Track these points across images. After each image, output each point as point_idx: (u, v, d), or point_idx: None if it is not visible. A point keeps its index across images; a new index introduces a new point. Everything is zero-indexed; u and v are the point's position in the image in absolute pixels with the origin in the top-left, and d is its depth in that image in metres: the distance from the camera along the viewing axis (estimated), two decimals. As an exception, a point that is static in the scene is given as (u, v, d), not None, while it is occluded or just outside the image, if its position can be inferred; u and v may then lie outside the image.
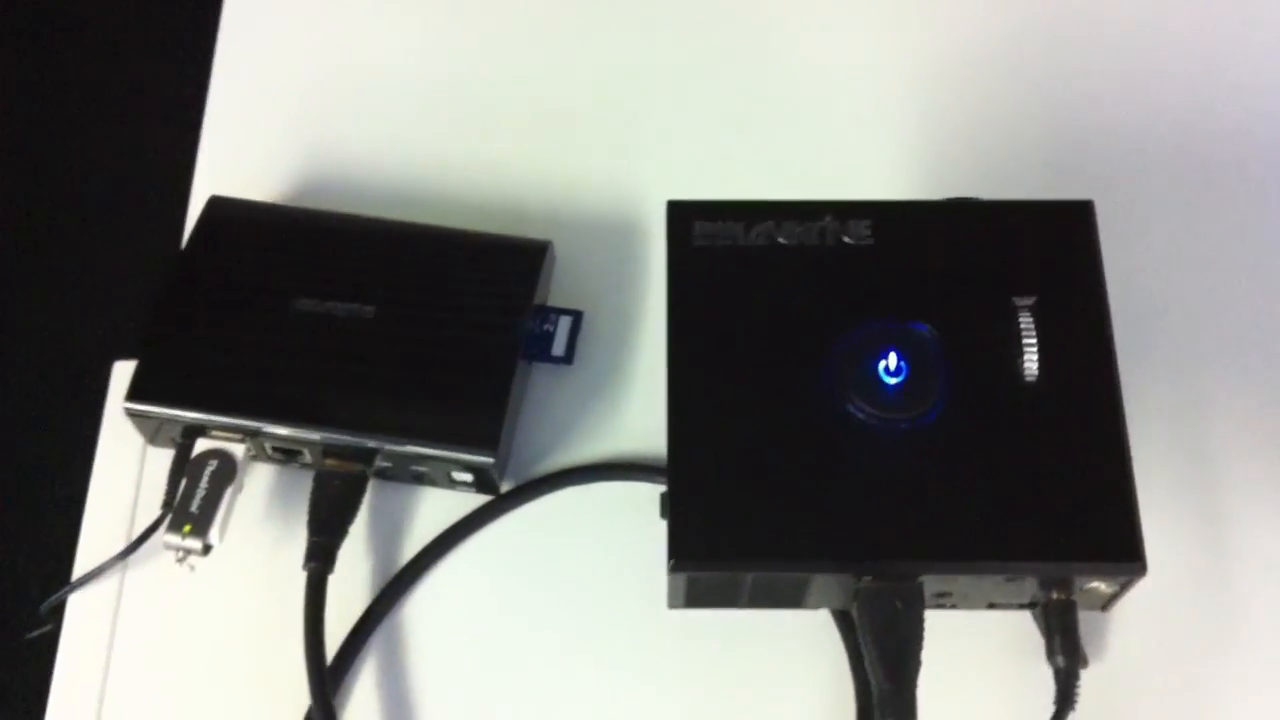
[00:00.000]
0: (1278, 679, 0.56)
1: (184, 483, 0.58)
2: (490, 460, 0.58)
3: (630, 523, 0.60)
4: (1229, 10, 0.71)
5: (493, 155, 0.68)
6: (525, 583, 0.59)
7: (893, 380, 0.48)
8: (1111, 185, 0.64)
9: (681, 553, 0.46)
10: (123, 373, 0.61)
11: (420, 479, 0.60)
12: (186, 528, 0.57)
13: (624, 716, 0.56)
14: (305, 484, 0.59)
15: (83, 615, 0.60)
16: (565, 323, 0.63)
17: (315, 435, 0.58)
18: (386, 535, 0.61)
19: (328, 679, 0.56)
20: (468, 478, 0.59)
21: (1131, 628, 0.56)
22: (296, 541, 0.58)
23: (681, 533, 0.47)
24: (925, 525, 0.47)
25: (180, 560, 0.58)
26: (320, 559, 0.58)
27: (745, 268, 0.50)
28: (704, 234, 0.51)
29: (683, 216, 0.51)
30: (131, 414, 0.59)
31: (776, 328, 0.49)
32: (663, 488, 0.56)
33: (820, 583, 0.47)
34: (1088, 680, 0.53)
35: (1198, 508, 0.59)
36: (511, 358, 0.60)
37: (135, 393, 0.59)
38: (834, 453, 0.47)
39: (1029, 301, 0.49)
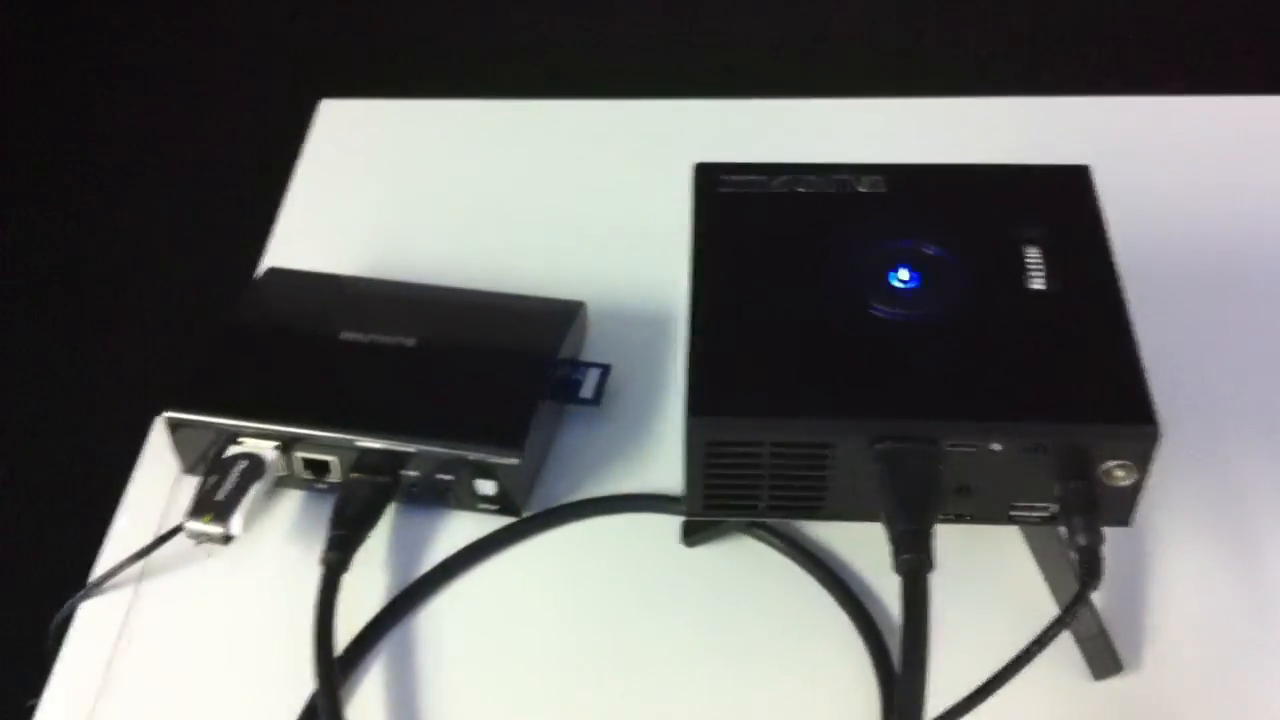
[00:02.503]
0: None
1: (212, 475, 0.59)
2: (515, 462, 0.59)
3: (650, 552, 0.60)
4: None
5: (542, 250, 0.72)
6: (542, 603, 0.58)
7: (909, 286, 0.50)
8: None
9: (701, 406, 0.47)
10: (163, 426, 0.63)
11: (445, 495, 0.60)
12: (208, 515, 0.58)
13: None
14: (329, 511, 0.59)
15: (92, 622, 0.59)
16: (595, 373, 0.65)
17: (346, 437, 0.59)
18: (408, 553, 0.60)
19: (335, 668, 0.54)
20: (491, 490, 0.60)
21: (1168, 646, 0.55)
22: (314, 565, 0.57)
23: (701, 387, 0.47)
24: (943, 390, 0.47)
25: (199, 544, 0.58)
26: (338, 550, 0.57)
27: (768, 207, 0.53)
28: (729, 184, 0.54)
29: (710, 171, 0.55)
30: (171, 423, 0.61)
31: (798, 250, 0.52)
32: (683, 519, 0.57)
33: (841, 459, 0.47)
34: (1130, 693, 0.52)
35: (1233, 539, 0.59)
36: (541, 381, 0.61)
37: (175, 402, 0.61)
38: (855, 338, 0.48)
39: (1035, 232, 0.52)
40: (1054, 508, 0.48)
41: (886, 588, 0.57)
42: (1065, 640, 0.55)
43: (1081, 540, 0.46)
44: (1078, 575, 0.46)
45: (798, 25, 2.20)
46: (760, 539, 0.60)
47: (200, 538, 0.58)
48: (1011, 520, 0.49)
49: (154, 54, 2.21)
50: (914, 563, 0.44)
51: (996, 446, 0.46)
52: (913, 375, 0.47)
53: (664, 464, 0.63)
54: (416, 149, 0.81)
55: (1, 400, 1.62)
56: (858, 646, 0.56)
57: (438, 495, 0.61)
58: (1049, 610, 0.54)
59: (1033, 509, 0.48)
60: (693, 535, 0.60)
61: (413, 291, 0.67)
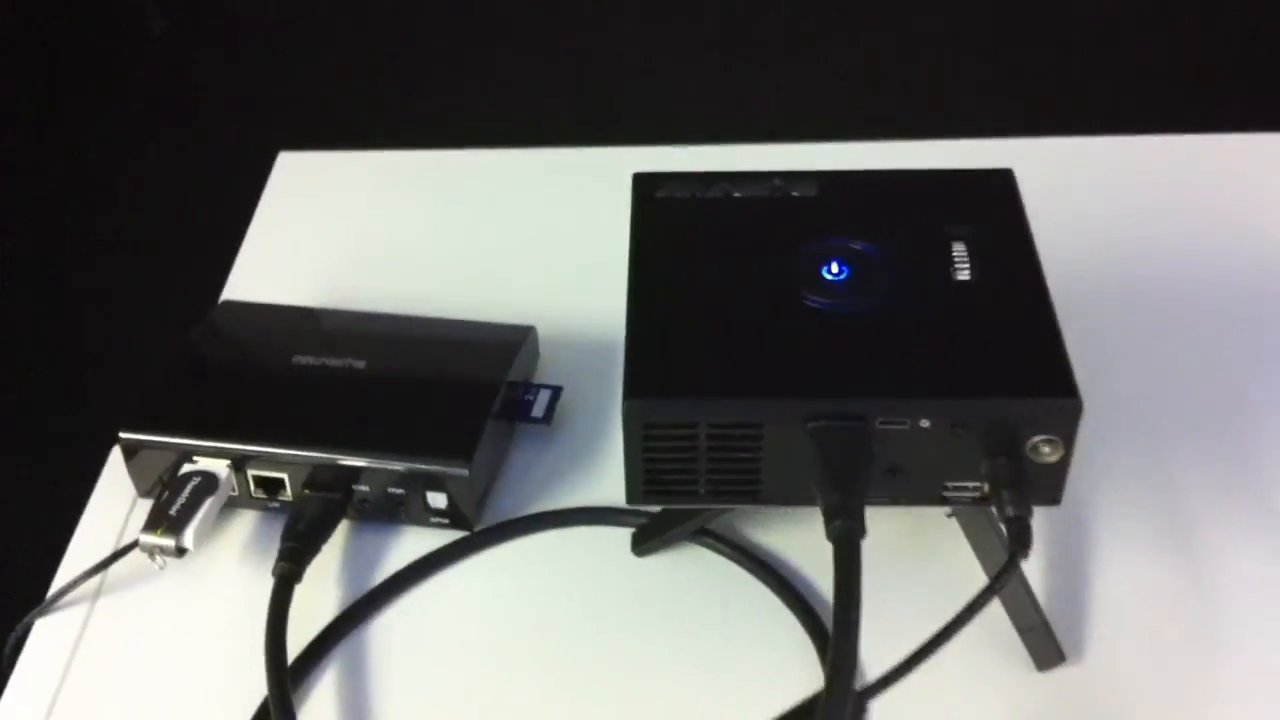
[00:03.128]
0: (1243, 679, 0.54)
1: (165, 492, 0.60)
2: (465, 473, 0.60)
3: (601, 564, 0.61)
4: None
5: (494, 283, 0.74)
6: (494, 615, 0.59)
7: (839, 279, 0.51)
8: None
9: (636, 389, 0.48)
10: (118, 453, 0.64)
11: (397, 511, 0.61)
12: (161, 529, 0.58)
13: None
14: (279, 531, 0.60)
15: (48, 637, 0.59)
16: (546, 394, 0.66)
17: (297, 454, 0.60)
18: (360, 567, 0.61)
19: (287, 673, 0.55)
20: (442, 504, 0.61)
21: (1110, 635, 0.56)
22: (267, 581, 0.58)
23: (637, 371, 0.48)
24: (873, 371, 0.48)
25: (152, 557, 0.58)
26: (290, 561, 0.58)
27: (704, 211, 0.55)
28: (666, 190, 0.56)
29: (647, 180, 0.56)
30: (126, 444, 0.62)
31: (732, 248, 0.53)
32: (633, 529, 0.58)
33: (775, 440, 0.48)
34: (1074, 683, 0.54)
35: (1170, 534, 0.60)
36: (490, 398, 0.63)
37: (130, 424, 0.62)
38: (787, 325, 0.50)
39: (961, 229, 0.53)
40: (984, 487, 0.49)
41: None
42: (1009, 634, 0.56)
43: (1010, 512, 0.47)
44: (1006, 546, 0.47)
45: (762, 78, 2.27)
46: (708, 546, 0.61)
47: (154, 550, 0.58)
48: (944, 501, 0.50)
49: (123, 106, 2.28)
50: (844, 528, 0.45)
51: (925, 423, 0.47)
52: (843, 358, 0.49)
53: (614, 480, 0.64)
54: (370, 196, 0.83)
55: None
56: (807, 647, 0.57)
57: (390, 511, 0.61)
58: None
59: (963, 489, 0.50)
60: (642, 545, 0.61)
61: (364, 319, 0.68)
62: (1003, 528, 0.48)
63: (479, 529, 0.62)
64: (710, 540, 0.61)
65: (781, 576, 0.59)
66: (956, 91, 2.25)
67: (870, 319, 0.50)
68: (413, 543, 0.62)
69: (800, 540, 0.61)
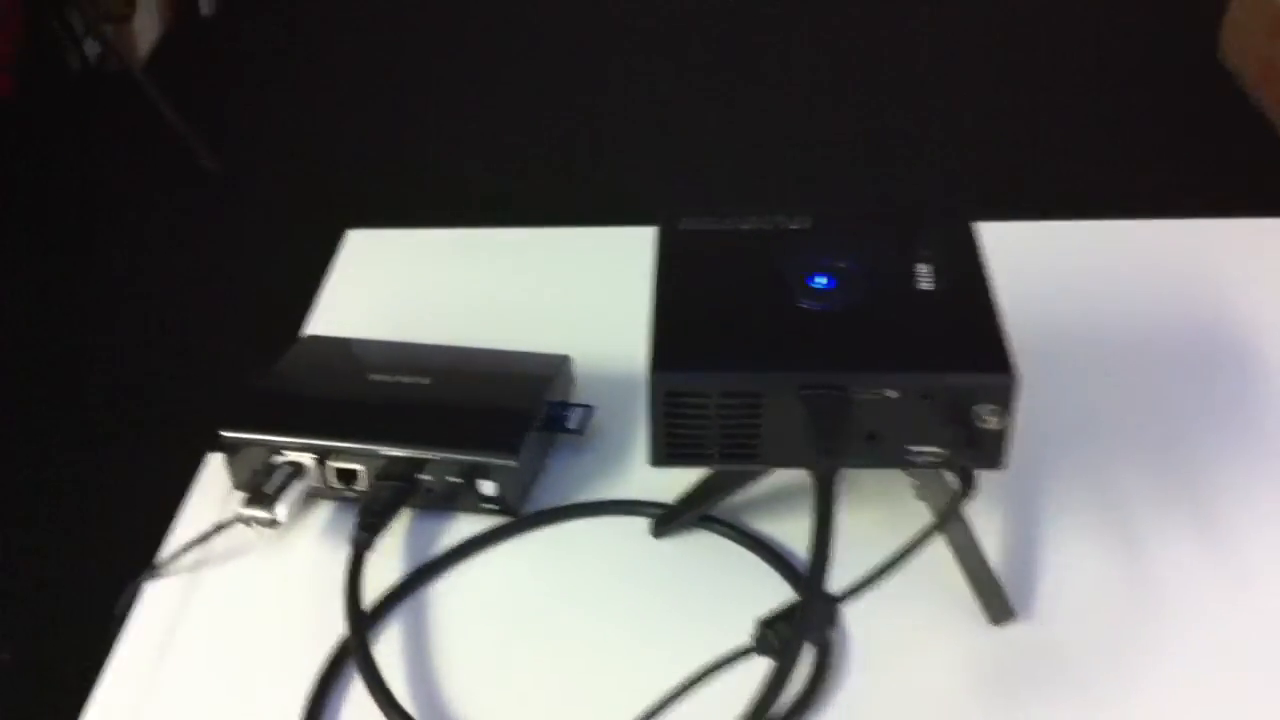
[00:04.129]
0: (1169, 639, 0.65)
1: (260, 476, 0.71)
2: (513, 464, 0.71)
3: (625, 545, 0.72)
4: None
5: (541, 328, 0.85)
6: (535, 585, 0.69)
7: (826, 288, 0.63)
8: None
9: (661, 363, 0.60)
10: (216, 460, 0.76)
11: (454, 499, 0.72)
12: (258, 504, 0.70)
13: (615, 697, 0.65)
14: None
15: (156, 598, 0.70)
16: (580, 411, 0.77)
17: (371, 448, 0.72)
18: (422, 545, 0.72)
19: (363, 620, 0.66)
20: (492, 491, 0.72)
21: (1056, 600, 0.67)
22: (341, 561, 0.69)
23: (661, 350, 0.60)
24: (852, 353, 0.60)
25: (250, 526, 0.70)
26: (366, 531, 0.69)
27: (717, 237, 0.67)
28: (687, 222, 0.68)
29: (671, 215, 0.69)
30: (225, 441, 0.73)
31: (740, 264, 0.65)
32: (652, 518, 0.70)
33: (773, 407, 0.59)
34: (1023, 637, 0.65)
35: (1112, 524, 0.71)
36: (534, 406, 0.74)
37: (230, 424, 0.73)
38: (784, 321, 0.61)
39: (926, 253, 0.65)
40: (942, 452, 0.60)
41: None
42: (966, 592, 0.66)
43: (959, 459, 0.58)
44: (960, 487, 0.58)
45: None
46: (716, 531, 0.72)
47: (251, 520, 0.69)
48: (909, 463, 0.61)
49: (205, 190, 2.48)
50: (826, 465, 0.56)
51: (893, 394, 0.59)
52: (828, 344, 0.60)
53: (636, 480, 0.75)
54: (428, 266, 0.95)
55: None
56: (798, 610, 0.67)
57: (449, 498, 0.73)
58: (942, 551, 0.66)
59: (924, 453, 0.61)
60: (660, 529, 0.72)
61: (429, 348, 0.80)
62: (953, 476, 0.59)
63: (523, 515, 0.73)
64: (718, 526, 0.72)
65: (777, 553, 0.70)
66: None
67: (849, 317, 0.62)
68: (466, 527, 0.73)
69: (793, 527, 0.72)
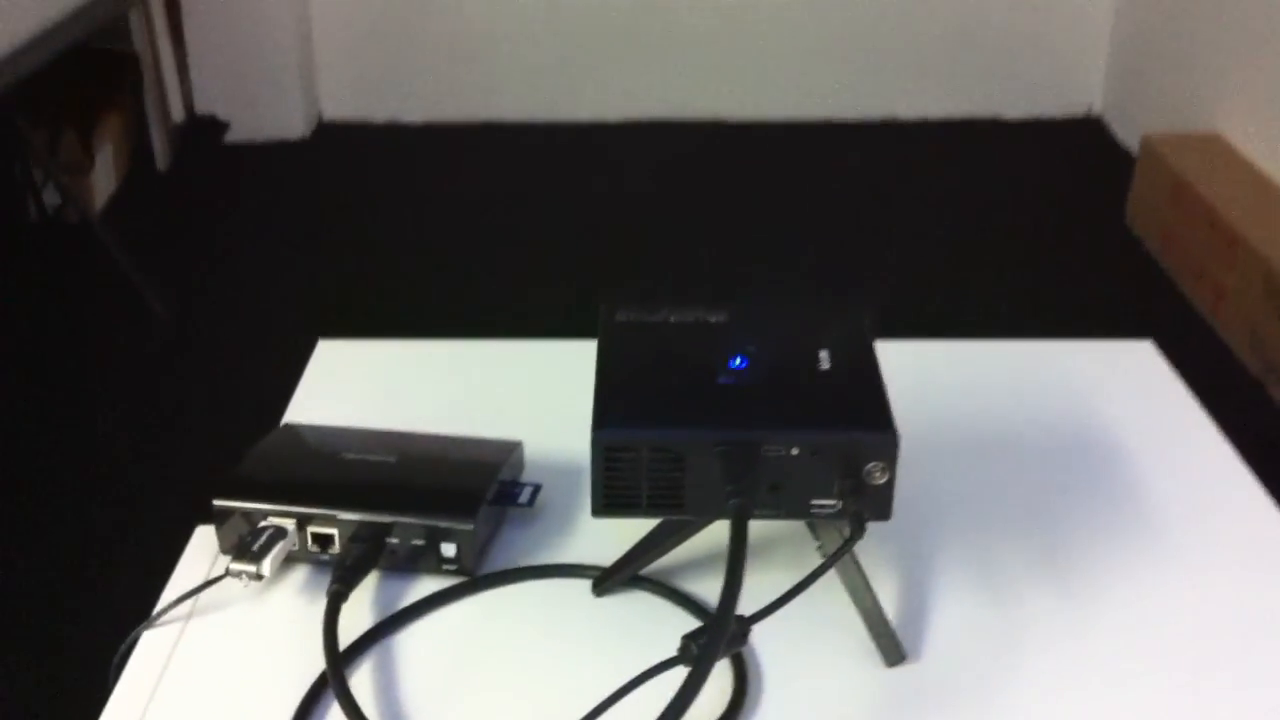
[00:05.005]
0: (1035, 678, 0.76)
1: (247, 538, 0.81)
2: (470, 528, 0.81)
3: (569, 602, 0.82)
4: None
5: (501, 423, 0.96)
6: (489, 636, 0.79)
7: (741, 367, 0.75)
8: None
9: (601, 423, 0.71)
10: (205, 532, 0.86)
11: (418, 561, 0.82)
12: (245, 559, 0.79)
13: None
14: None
15: (152, 645, 0.79)
16: (529, 488, 0.88)
17: (343, 515, 0.82)
18: (388, 603, 0.82)
19: (339, 659, 0.75)
20: (452, 553, 0.82)
21: (942, 646, 0.78)
22: (318, 616, 0.79)
23: (601, 413, 0.71)
24: (761, 416, 0.71)
25: (239, 579, 0.79)
26: (341, 583, 0.79)
27: (650, 327, 0.79)
28: (622, 316, 0.80)
29: (610, 306, 0.81)
30: (217, 510, 0.83)
31: (669, 350, 0.76)
32: (592, 579, 0.80)
33: (694, 462, 0.70)
34: (913, 677, 0.76)
35: (988, 584, 0.82)
36: (488, 482, 0.85)
37: (221, 494, 0.83)
38: (705, 392, 0.73)
39: (825, 339, 0.77)
40: (838, 504, 0.72)
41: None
42: (864, 637, 0.77)
43: (852, 508, 0.69)
44: (849, 530, 0.69)
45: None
46: (649, 589, 0.82)
47: (240, 574, 0.79)
48: (810, 515, 0.72)
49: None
50: (738, 505, 0.67)
51: (795, 450, 0.70)
52: (742, 410, 0.72)
53: (579, 547, 0.85)
54: (395, 372, 1.06)
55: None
56: (723, 666, 0.77)
57: (412, 561, 0.82)
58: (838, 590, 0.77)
59: (823, 506, 0.72)
60: (599, 588, 0.82)
61: (397, 434, 0.91)
62: (846, 524, 0.70)
63: (479, 576, 0.83)
64: (650, 585, 0.82)
65: (701, 608, 0.80)
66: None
67: (760, 390, 0.73)
68: (429, 586, 0.82)
69: (716, 585, 0.81)
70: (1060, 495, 0.90)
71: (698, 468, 0.71)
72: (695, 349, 0.76)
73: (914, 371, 1.04)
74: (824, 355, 0.76)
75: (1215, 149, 3.27)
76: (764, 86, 3.93)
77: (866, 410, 0.72)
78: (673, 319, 0.80)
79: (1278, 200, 3.01)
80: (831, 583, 0.77)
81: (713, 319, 0.80)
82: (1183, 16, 3.52)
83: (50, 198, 3.12)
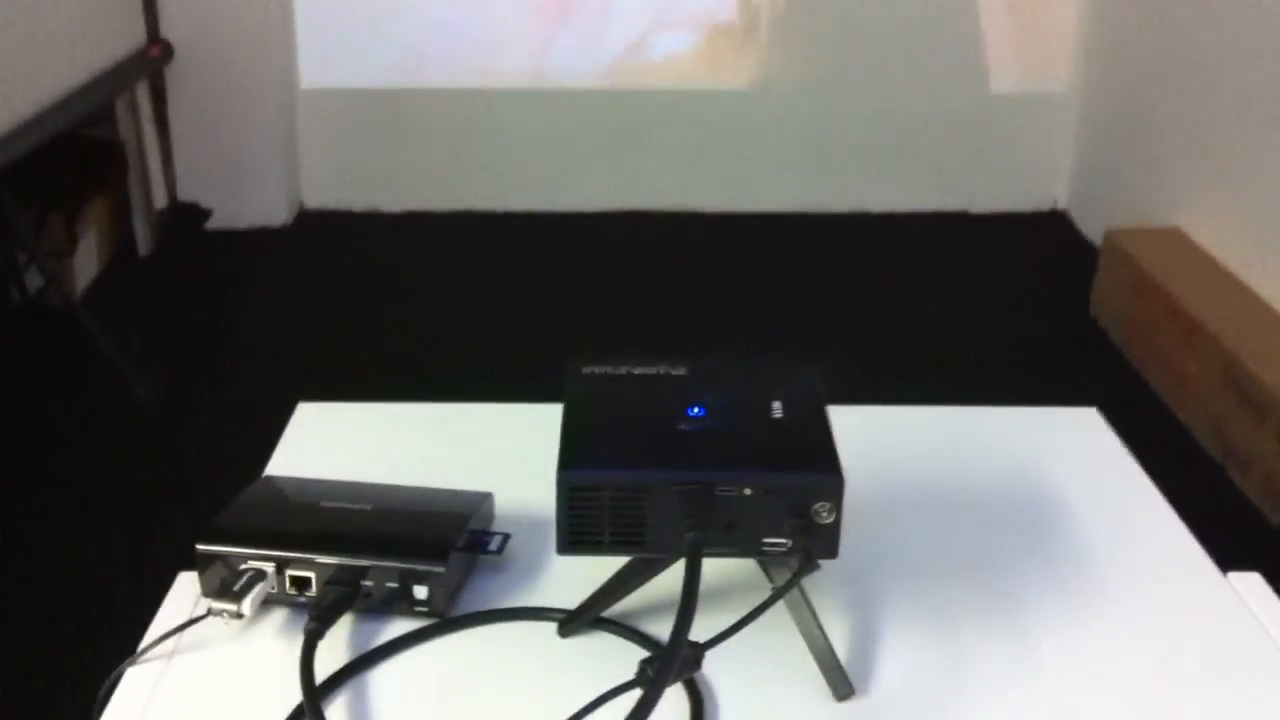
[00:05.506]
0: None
1: (229, 579, 0.85)
2: (441, 570, 0.85)
3: (535, 643, 0.86)
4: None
5: (471, 479, 1.00)
6: (460, 675, 0.83)
7: (699, 415, 0.80)
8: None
9: (566, 464, 0.75)
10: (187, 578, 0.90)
11: (392, 604, 0.86)
12: (226, 598, 0.83)
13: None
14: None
15: (135, 680, 0.83)
16: (499, 537, 0.92)
17: (320, 559, 0.86)
18: (363, 642, 0.85)
19: (315, 690, 0.79)
20: (424, 595, 0.86)
21: (889, 681, 0.82)
22: (295, 657, 0.83)
23: (567, 455, 0.76)
24: (716, 458, 0.76)
25: (221, 618, 0.83)
26: (318, 621, 0.83)
27: (613, 379, 0.84)
28: (588, 369, 0.85)
29: (576, 360, 0.85)
30: (201, 554, 0.87)
31: (632, 400, 0.81)
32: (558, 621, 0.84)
33: (654, 501, 0.75)
34: (861, 711, 0.80)
35: (935, 628, 0.87)
36: (459, 530, 0.89)
37: (204, 540, 0.87)
38: (666, 438, 0.77)
39: (778, 391, 0.82)
40: (788, 543, 0.76)
41: (708, 663, 0.83)
42: (815, 672, 0.81)
43: (801, 546, 0.74)
44: (799, 566, 0.73)
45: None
46: (612, 631, 0.86)
47: (221, 613, 0.83)
48: (762, 553, 0.77)
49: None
50: (693, 539, 0.72)
51: (748, 491, 0.75)
52: (699, 453, 0.76)
53: (546, 592, 0.90)
54: (373, 433, 1.10)
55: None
56: (680, 695, 0.81)
57: (387, 604, 0.86)
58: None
59: (775, 544, 0.76)
60: (565, 630, 0.86)
61: (372, 485, 0.95)
62: (794, 561, 0.75)
63: (450, 618, 0.87)
64: (613, 626, 0.86)
65: (662, 646, 0.84)
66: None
67: (716, 435, 0.78)
68: (402, 627, 0.86)
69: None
70: (1006, 547, 0.95)
71: (657, 507, 0.75)
72: (656, 399, 0.81)
73: (870, 435, 1.09)
74: (777, 405, 0.81)
75: (1175, 242, 3.36)
76: (737, 180, 4.02)
77: (814, 454, 0.77)
78: (636, 371, 0.85)
79: (1235, 291, 3.09)
80: (786, 621, 0.81)
81: (673, 372, 0.85)
82: (1144, 118, 3.63)
83: (33, 280, 3.16)
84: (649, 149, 3.98)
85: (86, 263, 3.41)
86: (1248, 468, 2.73)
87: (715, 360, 0.85)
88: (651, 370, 0.84)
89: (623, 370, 0.84)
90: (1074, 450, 1.09)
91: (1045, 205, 4.13)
